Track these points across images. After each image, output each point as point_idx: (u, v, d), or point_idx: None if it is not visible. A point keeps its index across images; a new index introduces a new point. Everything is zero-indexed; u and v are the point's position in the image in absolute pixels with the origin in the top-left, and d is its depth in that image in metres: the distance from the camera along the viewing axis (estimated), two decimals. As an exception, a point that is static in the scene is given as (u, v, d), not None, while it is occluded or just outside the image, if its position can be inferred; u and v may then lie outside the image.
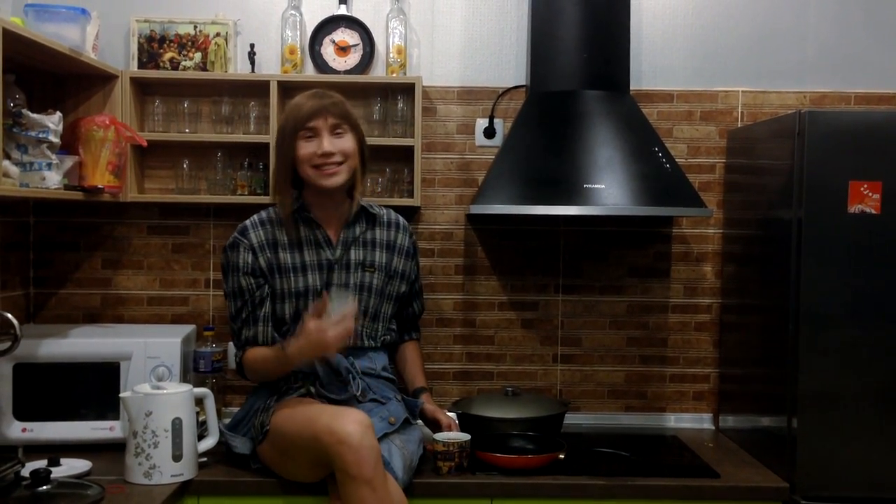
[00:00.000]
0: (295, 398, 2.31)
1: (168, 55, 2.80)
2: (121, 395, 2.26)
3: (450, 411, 2.71)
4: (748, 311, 2.72)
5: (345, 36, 2.82)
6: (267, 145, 2.68)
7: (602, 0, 2.67)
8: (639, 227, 2.91)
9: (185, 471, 2.21)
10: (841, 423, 2.30)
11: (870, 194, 2.27)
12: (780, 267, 2.40)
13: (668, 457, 2.59)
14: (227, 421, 2.51)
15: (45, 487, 2.02)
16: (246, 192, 2.78)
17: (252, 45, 2.80)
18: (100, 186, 2.47)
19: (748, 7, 2.90)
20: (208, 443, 2.34)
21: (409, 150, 2.74)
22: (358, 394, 2.30)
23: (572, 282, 2.92)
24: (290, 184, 2.38)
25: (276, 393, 2.34)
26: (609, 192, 2.50)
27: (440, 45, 2.89)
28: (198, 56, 2.80)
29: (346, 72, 2.81)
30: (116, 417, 2.45)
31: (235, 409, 2.62)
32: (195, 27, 2.80)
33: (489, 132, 2.88)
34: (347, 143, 2.34)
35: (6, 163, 2.10)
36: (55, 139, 2.24)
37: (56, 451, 2.27)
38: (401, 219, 2.55)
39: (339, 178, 2.33)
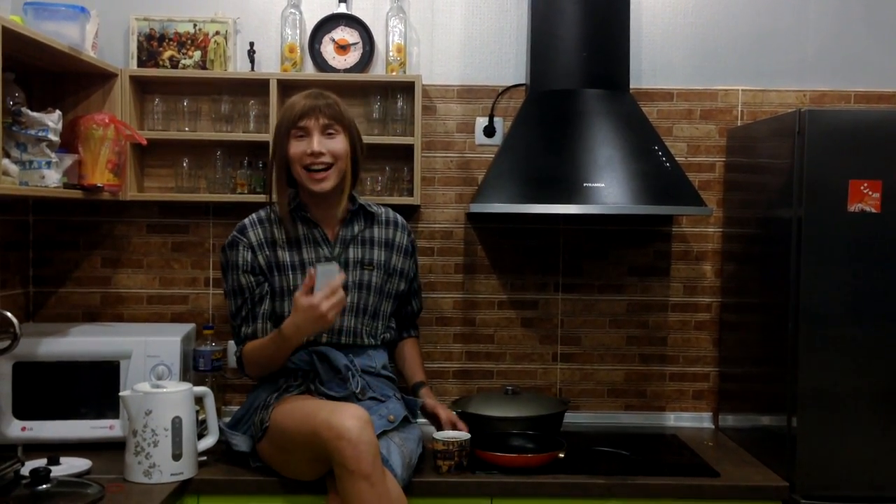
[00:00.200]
0: (294, 395, 2.31)
1: (167, 53, 2.80)
2: (120, 393, 2.26)
3: (450, 410, 2.72)
4: (748, 309, 2.72)
5: (344, 34, 2.82)
6: (266, 144, 2.67)
7: (602, -2, 2.68)
8: (639, 226, 2.91)
9: (184, 469, 2.21)
10: (841, 422, 2.30)
11: (870, 193, 2.27)
12: (779, 266, 2.40)
13: (668, 456, 2.59)
14: (226, 419, 2.51)
15: (44, 486, 2.02)
16: (245, 191, 2.78)
17: (252, 44, 2.80)
18: (99, 185, 2.46)
19: (748, 5, 2.90)
20: (208, 441, 2.34)
21: (408, 149, 2.74)
22: (357, 391, 2.31)
23: (572, 280, 2.92)
24: (285, 182, 2.39)
25: (275, 390, 2.35)
26: (609, 190, 2.50)
27: (440, 44, 2.89)
28: (197, 54, 2.80)
29: (346, 70, 2.81)
30: (116, 416, 2.45)
31: (235, 408, 2.63)
32: (195, 25, 2.80)
33: (489, 131, 2.88)
34: (338, 144, 2.34)
35: (5, 161, 2.10)
36: (55, 137, 2.24)
37: (56, 449, 2.27)
38: (399, 217, 2.55)
39: (326, 183, 2.34)
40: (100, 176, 2.47)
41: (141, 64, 2.78)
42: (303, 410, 2.17)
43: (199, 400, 2.33)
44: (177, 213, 2.86)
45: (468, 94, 2.89)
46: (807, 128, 2.28)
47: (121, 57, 2.81)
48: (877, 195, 2.27)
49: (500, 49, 2.89)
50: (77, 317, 2.86)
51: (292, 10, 2.79)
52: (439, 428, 2.45)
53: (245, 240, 2.40)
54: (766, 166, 2.56)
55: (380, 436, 2.14)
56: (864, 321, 2.30)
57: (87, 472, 2.24)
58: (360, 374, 2.35)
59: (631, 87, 2.76)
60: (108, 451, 2.37)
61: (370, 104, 2.81)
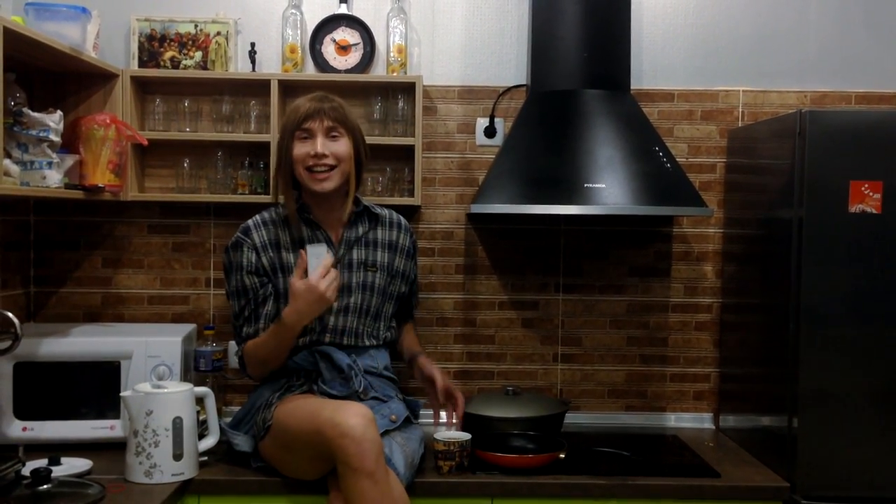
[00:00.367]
0: (297, 394, 2.31)
1: (168, 54, 2.80)
2: (121, 394, 2.26)
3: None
4: (749, 310, 2.72)
5: (345, 35, 2.82)
6: (267, 144, 2.68)
7: (603, -1, 2.68)
8: (639, 227, 2.91)
9: (185, 470, 2.21)
10: (842, 423, 2.30)
11: (870, 194, 2.27)
12: (780, 266, 2.40)
13: (669, 456, 2.59)
14: (227, 420, 2.51)
15: (45, 486, 2.02)
16: (246, 191, 2.78)
17: (253, 44, 2.80)
18: (100, 185, 2.46)
19: (749, 6, 2.90)
20: (209, 442, 2.34)
21: (409, 150, 2.74)
22: (360, 390, 2.31)
23: (573, 281, 2.92)
24: (290, 184, 2.40)
25: (278, 389, 2.35)
26: (609, 191, 2.50)
27: (441, 45, 2.89)
28: (198, 55, 2.80)
29: (347, 71, 2.81)
30: (117, 416, 2.45)
31: (236, 409, 2.63)
32: (196, 26, 2.80)
33: (490, 131, 2.88)
34: (341, 147, 2.35)
35: (7, 161, 2.10)
36: (56, 138, 2.24)
37: (56, 450, 2.27)
38: (402, 219, 2.56)
39: (328, 183, 2.35)
40: (101, 176, 2.47)
41: (142, 64, 2.79)
42: (306, 409, 2.17)
43: (199, 400, 2.33)
44: (178, 214, 2.86)
45: (469, 94, 2.89)
46: (807, 128, 2.28)
47: (122, 57, 2.81)
48: (877, 196, 2.27)
49: (500, 50, 2.89)
50: (78, 317, 2.86)
51: (293, 11, 2.79)
52: (433, 393, 2.45)
53: (249, 241, 2.40)
54: (767, 167, 2.56)
55: (382, 435, 2.13)
56: (865, 322, 2.30)
57: (88, 472, 2.24)
58: (363, 374, 2.35)
59: (632, 87, 2.76)
60: (109, 451, 2.37)
61: (371, 105, 2.81)
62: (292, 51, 2.79)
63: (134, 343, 2.50)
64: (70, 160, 2.39)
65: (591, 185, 2.51)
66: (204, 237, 2.88)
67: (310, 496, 2.24)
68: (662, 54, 2.91)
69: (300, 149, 2.34)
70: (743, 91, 2.90)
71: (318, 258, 2.23)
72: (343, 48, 2.82)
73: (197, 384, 2.39)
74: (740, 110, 2.90)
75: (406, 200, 2.76)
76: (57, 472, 2.09)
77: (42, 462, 2.14)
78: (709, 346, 2.93)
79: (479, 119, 2.89)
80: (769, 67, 2.90)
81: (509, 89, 2.87)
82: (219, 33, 2.80)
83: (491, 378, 2.92)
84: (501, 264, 2.91)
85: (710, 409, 2.94)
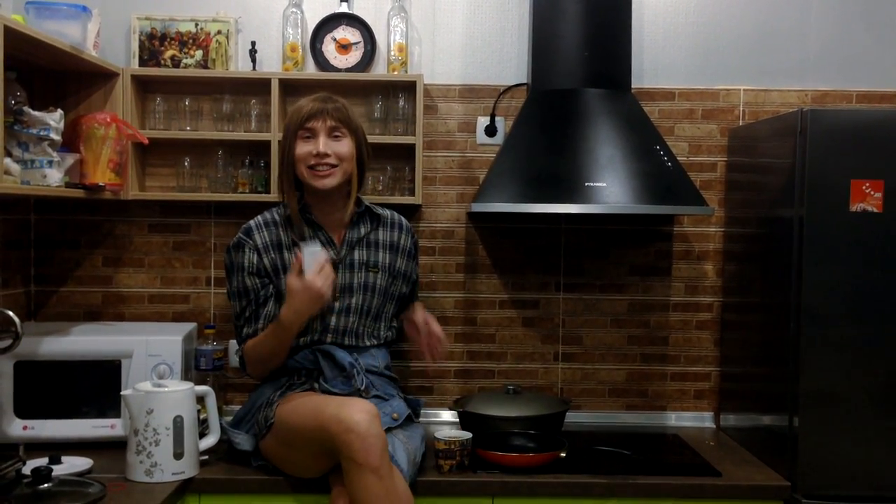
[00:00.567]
0: (298, 392, 2.31)
1: (169, 53, 2.80)
2: (122, 392, 2.26)
3: (451, 409, 2.73)
4: (749, 309, 2.72)
5: (346, 34, 2.82)
6: (268, 143, 2.68)
7: (603, -2, 2.68)
8: (640, 226, 2.91)
9: (186, 469, 2.21)
10: (842, 422, 2.30)
11: (871, 193, 2.27)
12: (781, 265, 2.40)
13: (670, 455, 2.59)
14: (227, 419, 2.51)
15: (46, 485, 2.02)
16: (247, 190, 2.78)
17: (253, 43, 2.80)
18: (101, 184, 2.46)
19: (750, 5, 2.90)
20: (209, 441, 2.34)
21: (410, 149, 2.74)
22: (362, 388, 2.31)
23: (573, 280, 2.92)
24: (293, 184, 2.40)
25: (279, 388, 2.35)
26: (610, 190, 2.50)
27: (441, 43, 2.89)
28: (199, 54, 2.80)
29: (348, 70, 2.81)
30: (117, 415, 2.45)
31: (237, 408, 2.63)
32: (196, 25, 2.80)
33: (490, 130, 2.88)
34: (344, 147, 2.36)
35: (7, 160, 2.10)
36: (56, 137, 2.24)
37: (57, 448, 2.27)
38: (404, 220, 2.56)
39: (330, 180, 2.35)
40: (101, 175, 2.47)
41: (142, 63, 2.78)
42: (310, 406, 2.18)
43: (200, 399, 2.33)
44: (178, 213, 2.86)
45: (469, 93, 2.89)
46: (808, 127, 2.28)
47: (122, 56, 2.81)
48: (878, 195, 2.26)
49: (501, 48, 2.89)
50: (78, 316, 2.86)
51: (294, 10, 2.79)
52: (416, 335, 2.45)
53: (251, 242, 2.40)
54: (768, 166, 2.56)
55: (385, 432, 2.13)
56: (866, 321, 2.29)
57: (89, 471, 2.24)
58: (364, 373, 2.35)
59: (632, 86, 2.75)
60: (110, 450, 2.37)
61: (371, 104, 2.81)
62: (293, 49, 2.79)
63: (134, 342, 2.49)
64: (71, 159, 2.39)
65: (591, 184, 2.51)
66: (204, 236, 2.88)
67: (311, 495, 2.24)
68: (663, 53, 2.90)
69: (302, 148, 2.35)
70: (744, 90, 2.90)
71: (314, 256, 2.24)
72: (344, 47, 2.82)
73: (197, 383, 2.39)
74: (741, 109, 2.90)
75: (407, 199, 2.76)
76: (57, 470, 2.09)
77: (43, 461, 2.14)
78: (709, 345, 2.93)
79: (479, 118, 2.89)
80: (770, 66, 2.90)
81: (510, 88, 2.87)
82: (219, 32, 2.80)
83: (492, 377, 2.92)
84: (502, 263, 2.91)
85: (711, 408, 2.94)
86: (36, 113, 2.19)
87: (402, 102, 2.79)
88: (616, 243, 2.91)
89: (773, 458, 2.45)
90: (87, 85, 2.63)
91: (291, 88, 2.80)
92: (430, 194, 2.89)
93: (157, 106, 2.78)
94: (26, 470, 2.08)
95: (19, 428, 2.42)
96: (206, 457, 2.34)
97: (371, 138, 2.54)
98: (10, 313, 2.17)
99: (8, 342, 2.17)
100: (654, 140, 2.63)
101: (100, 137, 2.45)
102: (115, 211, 2.85)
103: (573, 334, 2.92)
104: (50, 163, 2.23)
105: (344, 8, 2.82)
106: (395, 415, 2.29)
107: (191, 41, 2.80)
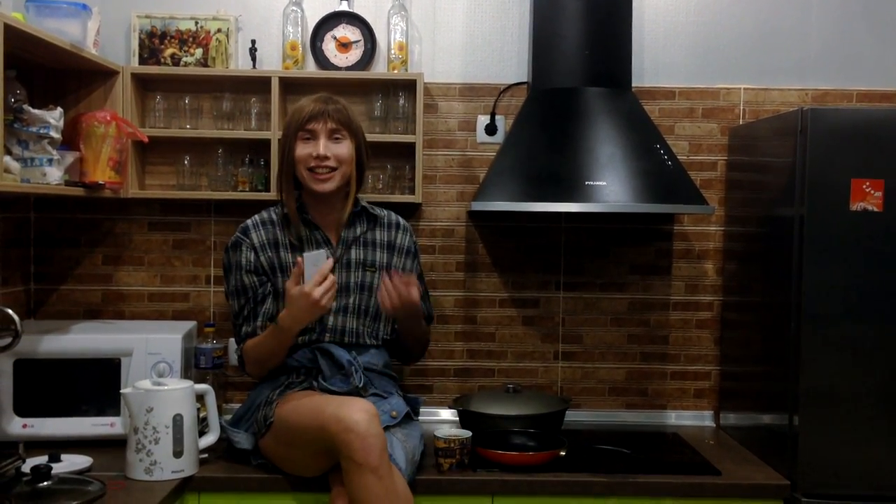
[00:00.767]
0: (297, 391, 2.32)
1: (169, 51, 2.80)
2: (122, 391, 2.26)
3: (451, 408, 2.73)
4: (749, 308, 2.72)
5: (346, 32, 2.82)
6: (268, 142, 2.68)
7: (604, -4, 2.67)
8: (640, 225, 2.91)
9: (185, 467, 2.21)
10: (842, 421, 2.29)
11: (872, 192, 2.26)
12: (781, 264, 2.40)
13: (669, 454, 2.59)
14: (227, 417, 2.51)
15: (45, 483, 2.02)
16: (247, 189, 2.77)
17: (253, 41, 2.80)
18: (101, 182, 2.46)
19: (750, 4, 2.90)
20: (209, 439, 2.34)
21: (410, 147, 2.74)
22: (360, 386, 2.31)
23: (573, 279, 2.91)
24: (292, 184, 2.41)
25: (278, 387, 2.35)
26: (611, 189, 2.50)
27: (442, 42, 2.89)
28: (199, 52, 2.80)
29: (348, 68, 2.81)
30: (117, 414, 2.45)
31: (236, 406, 2.63)
32: (196, 23, 2.80)
33: (490, 129, 2.88)
34: (344, 149, 2.36)
35: (7, 158, 2.10)
36: (56, 135, 2.24)
37: (57, 447, 2.28)
38: (401, 219, 2.56)
39: (329, 184, 2.35)
40: (101, 173, 2.47)
41: (142, 61, 2.78)
42: (309, 405, 2.17)
43: (200, 397, 2.33)
44: (178, 211, 2.86)
45: (470, 91, 2.88)
46: (809, 126, 2.28)
47: (122, 54, 2.81)
48: (879, 194, 2.26)
49: (501, 47, 2.89)
50: (78, 314, 2.86)
51: (294, 8, 2.79)
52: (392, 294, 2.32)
53: (248, 241, 2.41)
54: (768, 165, 2.56)
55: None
56: (866, 320, 2.29)
57: (88, 469, 2.24)
58: (363, 371, 2.35)
59: (633, 85, 2.75)
60: (109, 448, 2.37)
61: (371, 102, 2.81)
62: (293, 48, 2.79)
63: (134, 340, 2.49)
64: (70, 157, 2.39)
65: (592, 183, 2.51)
66: (204, 234, 2.87)
67: (310, 493, 2.24)
68: (664, 52, 2.90)
69: (302, 149, 2.35)
70: (744, 89, 2.90)
71: (317, 265, 2.22)
72: (344, 45, 2.82)
73: (197, 381, 2.39)
74: (741, 108, 2.90)
75: (407, 198, 2.76)
76: (57, 469, 2.09)
77: (42, 459, 2.14)
78: (709, 343, 2.93)
79: (479, 116, 2.88)
80: (770, 65, 2.90)
81: (510, 87, 2.87)
82: (219, 30, 2.80)
83: (491, 376, 2.92)
84: (502, 262, 2.91)
85: (711, 407, 2.94)
86: (36, 111, 2.19)
87: (402, 101, 2.78)
88: (616, 242, 2.91)
89: (772, 457, 2.45)
90: (87, 83, 2.63)
91: (291, 87, 2.80)
92: (431, 193, 2.88)
93: (156, 104, 2.77)
94: (26, 468, 2.08)
95: (19, 426, 2.42)
96: (206, 455, 2.34)
97: (371, 137, 2.54)
98: (10, 311, 2.17)
99: (7, 340, 2.16)
100: (654, 139, 2.63)
101: (100, 135, 2.45)
102: (115, 209, 2.85)
103: (573, 333, 2.92)
104: (50, 161, 2.23)
105: (344, 6, 2.82)
106: (393, 413, 2.29)
107: (191, 39, 2.80)
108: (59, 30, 2.29)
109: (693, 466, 2.44)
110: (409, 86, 2.77)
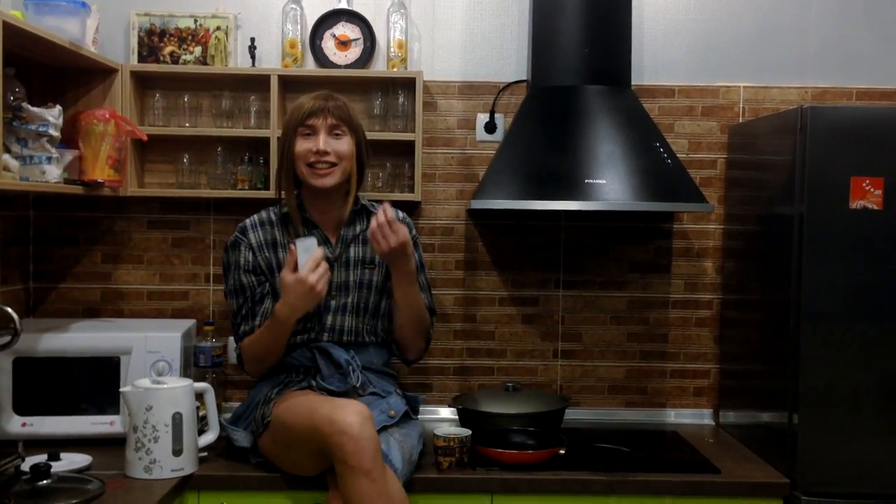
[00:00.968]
0: (296, 391, 2.31)
1: (168, 49, 2.79)
2: (121, 389, 2.26)
3: (450, 406, 2.72)
4: (749, 306, 2.72)
5: (345, 30, 2.81)
6: (267, 140, 2.67)
7: (603, -5, 2.67)
8: (640, 223, 2.91)
9: (185, 465, 2.21)
10: (842, 419, 2.29)
11: (872, 190, 2.26)
12: (781, 263, 2.40)
13: (669, 452, 2.59)
14: (226, 416, 2.51)
15: (45, 482, 2.01)
16: (246, 187, 2.77)
17: (252, 39, 2.80)
18: (100, 180, 2.46)
19: (750, 2, 2.90)
20: (208, 437, 2.34)
21: (409, 145, 2.74)
22: (358, 385, 2.31)
23: (573, 277, 2.91)
24: (292, 181, 2.40)
25: (276, 386, 2.35)
26: (610, 187, 2.50)
27: (441, 40, 2.88)
28: (198, 50, 2.79)
29: (347, 66, 2.80)
30: (116, 412, 2.45)
31: (235, 404, 2.63)
32: (195, 21, 2.79)
33: (490, 127, 2.87)
34: (344, 145, 2.36)
35: (6, 156, 2.10)
36: (55, 133, 2.23)
37: (56, 445, 2.27)
38: (400, 212, 2.55)
39: (329, 179, 2.35)
40: (100, 171, 2.47)
41: (141, 59, 2.78)
42: (304, 406, 2.17)
43: (199, 396, 2.33)
44: (177, 209, 2.86)
45: (469, 90, 2.88)
46: (808, 124, 2.28)
47: (121, 52, 2.81)
48: (879, 192, 2.26)
49: (501, 45, 2.89)
50: (77, 312, 2.86)
51: (293, 6, 2.79)
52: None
53: (246, 240, 2.41)
54: (768, 163, 2.56)
55: (380, 431, 2.14)
56: (866, 318, 2.29)
57: (88, 467, 2.23)
58: (361, 370, 2.35)
59: (632, 83, 2.75)
60: (109, 446, 2.36)
61: (371, 100, 2.81)
62: (292, 46, 2.78)
63: (133, 338, 2.49)
64: (69, 155, 2.38)
65: (591, 181, 2.51)
66: (204, 233, 2.87)
67: (309, 492, 2.24)
68: (663, 50, 2.90)
69: (302, 145, 2.35)
70: (744, 87, 2.90)
71: (309, 252, 2.23)
72: (343, 43, 2.81)
73: (196, 380, 2.39)
74: (741, 106, 2.90)
75: (406, 196, 2.76)
76: (56, 467, 2.09)
77: (41, 457, 2.13)
78: (709, 342, 2.93)
79: (479, 114, 2.88)
80: (770, 63, 2.89)
81: (510, 85, 2.86)
82: (218, 28, 2.79)
83: (491, 374, 2.92)
84: (502, 260, 2.91)
85: (711, 406, 2.94)
86: (35, 109, 2.19)
87: (401, 99, 2.78)
88: (616, 240, 2.91)
89: (772, 456, 2.45)
90: (86, 81, 2.62)
91: (291, 85, 2.79)
92: (430, 191, 2.88)
93: (156, 102, 2.77)
94: (25, 467, 2.08)
95: (18, 424, 2.41)
96: (205, 454, 2.34)
97: (370, 135, 2.54)
98: (9, 310, 2.16)
99: (7, 339, 2.16)
100: (653, 137, 2.63)
101: (99, 134, 2.44)
102: (114, 207, 2.85)
103: (573, 331, 2.92)
104: (49, 159, 2.23)
105: (343, 4, 2.82)
106: (391, 412, 2.28)
107: (190, 37, 2.79)
108: (58, 27, 2.29)
109: (692, 465, 2.44)
110: (408, 84, 2.77)
